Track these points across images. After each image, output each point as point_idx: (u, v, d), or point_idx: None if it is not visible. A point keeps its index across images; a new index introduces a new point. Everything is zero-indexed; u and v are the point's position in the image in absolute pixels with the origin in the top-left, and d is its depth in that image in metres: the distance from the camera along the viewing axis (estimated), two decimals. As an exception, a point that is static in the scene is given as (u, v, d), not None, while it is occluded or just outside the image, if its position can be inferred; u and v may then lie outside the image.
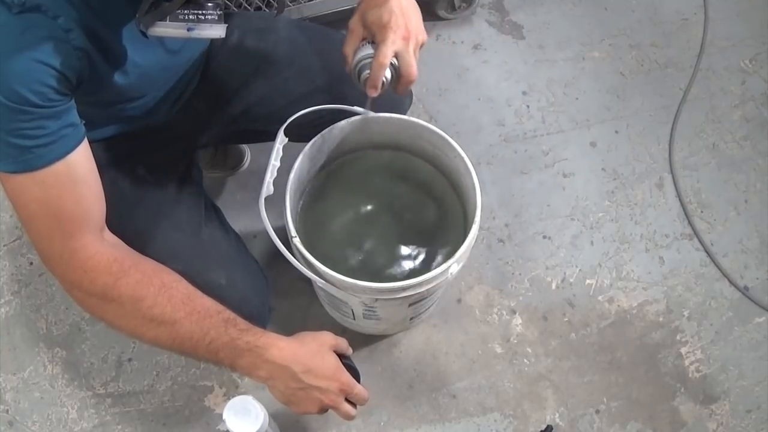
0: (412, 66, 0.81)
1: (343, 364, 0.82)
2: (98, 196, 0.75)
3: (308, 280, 0.91)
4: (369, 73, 0.81)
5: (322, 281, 0.87)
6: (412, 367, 1.20)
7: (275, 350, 0.77)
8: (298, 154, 0.93)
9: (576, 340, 1.23)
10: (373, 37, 0.82)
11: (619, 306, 1.27)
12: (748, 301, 1.28)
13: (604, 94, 1.50)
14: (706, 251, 1.32)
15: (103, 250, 0.74)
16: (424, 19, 0.85)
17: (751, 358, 1.23)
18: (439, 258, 1.00)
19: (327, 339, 0.82)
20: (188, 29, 0.67)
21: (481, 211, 0.91)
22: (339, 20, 1.42)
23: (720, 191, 1.39)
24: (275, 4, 1.32)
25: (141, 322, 0.74)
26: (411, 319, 1.13)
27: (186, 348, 0.75)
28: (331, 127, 0.95)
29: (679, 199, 1.38)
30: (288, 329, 0.82)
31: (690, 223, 1.35)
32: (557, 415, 1.17)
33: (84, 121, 0.72)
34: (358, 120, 0.96)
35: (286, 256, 0.87)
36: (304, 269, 0.88)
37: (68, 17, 0.65)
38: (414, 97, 1.18)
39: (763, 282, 1.30)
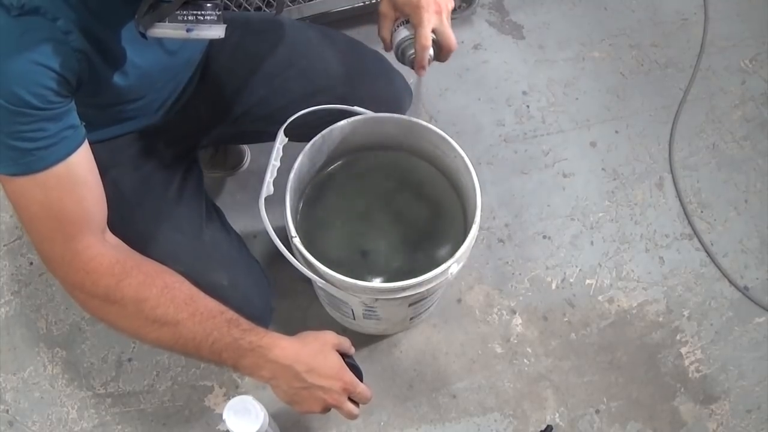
0: (451, 37, 0.84)
1: (346, 363, 0.83)
2: (99, 198, 0.75)
3: (308, 280, 0.91)
4: (413, 54, 0.84)
5: (322, 281, 0.87)
6: (412, 367, 1.20)
7: (278, 350, 0.77)
8: (298, 154, 0.93)
9: (576, 340, 1.23)
10: (407, 18, 0.83)
11: (619, 306, 1.27)
12: (748, 301, 1.28)
13: (604, 94, 1.50)
14: (706, 251, 1.32)
15: (105, 252, 0.74)
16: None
17: (751, 358, 1.23)
18: (439, 258, 1.00)
19: (329, 338, 0.82)
20: (187, 30, 0.67)
21: (481, 211, 0.91)
22: (339, 20, 1.43)
23: (720, 191, 1.39)
24: (275, 4, 1.32)
25: (144, 323, 0.74)
26: (411, 319, 1.13)
27: (189, 349, 0.75)
28: (331, 127, 0.95)
29: (679, 199, 1.38)
30: (288, 329, 0.82)
31: (690, 223, 1.35)
32: (557, 415, 1.17)
33: (84, 123, 0.72)
34: (358, 120, 0.97)
35: (286, 256, 0.87)
36: (304, 269, 0.88)
37: (67, 19, 0.65)
38: (414, 97, 1.18)
39: (763, 282, 1.30)
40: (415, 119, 0.97)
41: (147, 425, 1.16)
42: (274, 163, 0.92)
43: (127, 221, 0.83)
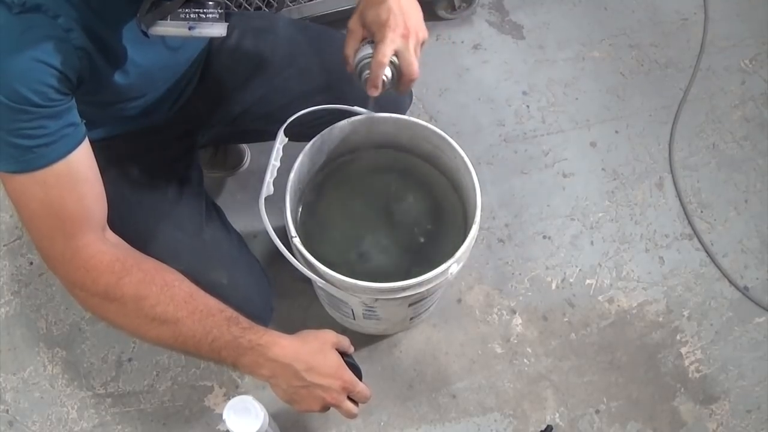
0: (413, 64, 0.81)
1: (345, 362, 0.82)
2: (100, 196, 0.75)
3: (308, 280, 0.91)
4: (369, 73, 0.81)
5: (322, 281, 0.87)
6: (412, 367, 1.20)
7: (278, 348, 0.77)
8: (298, 154, 0.93)
9: (576, 340, 1.23)
10: (373, 37, 0.81)
11: (619, 306, 1.27)
12: (748, 301, 1.28)
13: (604, 94, 1.50)
14: (706, 251, 1.32)
15: (105, 250, 0.74)
16: (424, 20, 0.84)
17: (751, 358, 1.23)
18: (439, 258, 0.99)
19: (329, 337, 0.82)
20: (189, 28, 0.67)
21: (481, 211, 0.91)
22: (339, 20, 1.42)
23: (720, 191, 1.39)
24: (275, 4, 1.32)
25: (143, 321, 0.74)
26: (411, 319, 1.13)
27: (188, 347, 0.75)
28: (331, 127, 0.95)
29: (679, 199, 1.38)
30: (288, 329, 0.82)
31: (690, 223, 1.35)
32: (557, 415, 1.17)
33: (84, 121, 0.72)
34: (358, 120, 0.96)
35: (286, 256, 0.87)
36: (304, 269, 0.88)
37: (68, 17, 0.65)
38: (414, 97, 1.18)
39: (763, 282, 1.30)
40: (415, 119, 0.97)
41: (147, 425, 1.16)
42: (274, 163, 0.92)
43: (127, 220, 0.83)
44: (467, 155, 0.94)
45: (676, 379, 1.21)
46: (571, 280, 1.29)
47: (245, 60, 1.00)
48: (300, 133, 0.94)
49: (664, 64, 1.54)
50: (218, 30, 0.68)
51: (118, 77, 0.77)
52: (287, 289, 1.21)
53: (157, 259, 0.79)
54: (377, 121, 0.98)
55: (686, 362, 1.22)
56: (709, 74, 1.53)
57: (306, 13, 1.39)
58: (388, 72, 0.81)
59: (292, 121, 0.93)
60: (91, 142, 0.74)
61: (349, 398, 0.82)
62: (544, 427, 1.15)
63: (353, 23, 0.84)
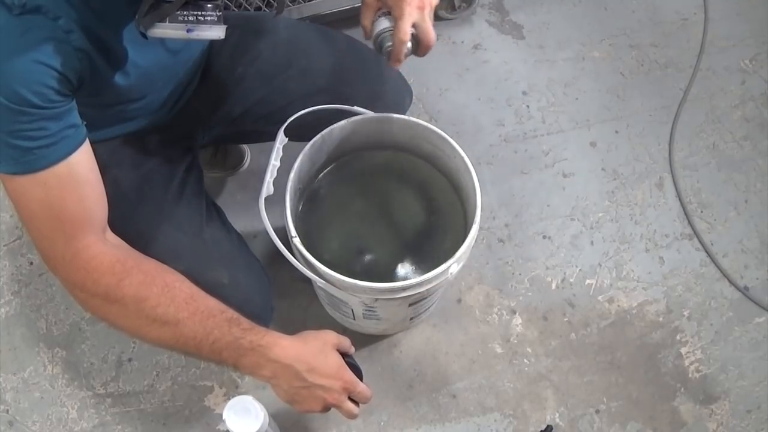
0: (430, 33, 0.82)
1: (346, 362, 0.83)
2: (100, 197, 0.75)
3: (308, 280, 0.91)
4: (391, 47, 0.82)
5: (322, 281, 0.87)
6: (412, 367, 1.20)
7: (278, 349, 0.77)
8: (298, 154, 0.93)
9: (576, 340, 1.23)
10: (389, 9, 0.82)
11: (619, 306, 1.27)
12: (748, 301, 1.28)
13: (604, 94, 1.50)
14: (706, 251, 1.32)
15: (106, 251, 0.74)
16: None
17: (751, 358, 1.23)
18: (439, 258, 0.99)
19: (330, 337, 0.82)
20: (188, 30, 0.67)
21: (481, 211, 0.91)
22: (339, 20, 1.43)
23: (720, 191, 1.39)
24: (275, 4, 1.32)
25: (144, 322, 0.74)
26: (411, 319, 1.13)
27: (189, 348, 0.75)
28: (331, 127, 0.95)
29: (679, 199, 1.38)
30: (288, 329, 0.82)
31: (690, 223, 1.35)
32: (557, 415, 1.17)
33: (85, 122, 0.72)
34: (358, 120, 0.97)
35: (286, 256, 0.87)
36: (304, 269, 0.88)
37: (68, 18, 0.65)
38: (414, 97, 1.18)
39: (763, 282, 1.30)
40: (415, 119, 0.97)
41: (147, 425, 1.16)
42: (274, 163, 0.92)
43: (127, 220, 0.83)
44: (467, 155, 0.94)
45: (676, 379, 1.21)
46: (571, 280, 1.29)
47: (245, 61, 1.00)
48: (300, 134, 0.94)
49: (664, 64, 1.54)
50: (216, 33, 0.68)
51: (118, 79, 0.77)
52: (287, 289, 1.21)
53: (158, 259, 0.79)
54: (377, 121, 0.98)
55: (686, 362, 1.22)
56: (709, 74, 1.53)
57: (306, 13, 1.39)
58: (408, 44, 0.82)
59: (292, 121, 0.93)
60: (92, 143, 0.74)
61: (350, 399, 0.82)
62: (544, 427, 1.15)
63: None
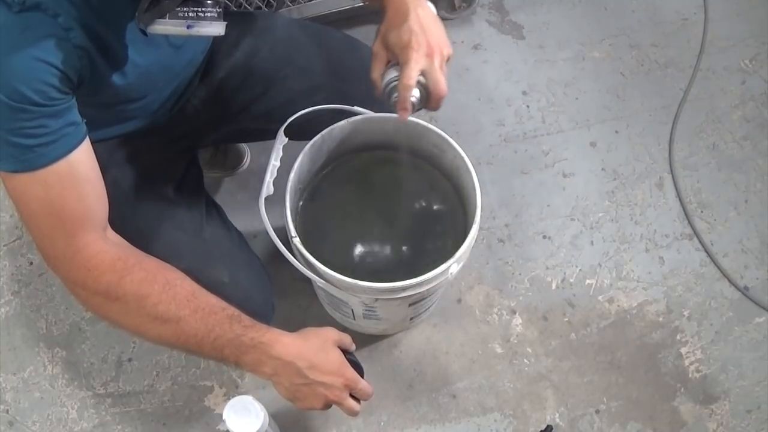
0: (440, 82, 0.79)
1: (347, 359, 0.83)
2: (101, 195, 0.75)
3: (308, 280, 0.91)
4: (397, 96, 0.79)
5: (322, 281, 0.87)
6: (412, 367, 1.20)
7: (280, 346, 0.77)
8: (298, 154, 0.93)
9: (576, 340, 1.23)
10: (397, 59, 0.80)
11: (619, 306, 1.27)
12: (748, 301, 1.28)
13: (604, 94, 1.50)
14: (706, 251, 1.32)
15: (107, 249, 0.74)
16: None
17: (751, 358, 1.23)
18: (438, 258, 0.99)
19: (331, 334, 0.82)
20: (188, 27, 0.67)
21: (481, 211, 0.91)
22: (339, 20, 1.43)
23: (720, 191, 1.39)
24: (275, 3, 1.32)
25: (145, 319, 0.74)
26: (411, 319, 1.13)
27: (191, 345, 0.75)
28: (331, 127, 0.95)
29: (679, 199, 1.38)
30: (288, 329, 0.82)
31: (690, 223, 1.35)
32: (557, 415, 1.17)
33: (85, 121, 0.72)
34: (359, 120, 0.97)
35: (286, 256, 0.87)
36: (304, 269, 0.88)
37: (68, 16, 0.65)
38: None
39: (763, 282, 1.30)
40: (415, 119, 0.97)
41: (147, 425, 1.16)
42: (274, 163, 0.92)
43: (127, 219, 0.83)
44: (467, 155, 0.94)
45: (676, 379, 1.21)
46: (571, 280, 1.29)
47: (244, 60, 1.00)
48: (300, 133, 0.94)
49: (664, 64, 1.54)
50: (216, 29, 0.68)
51: (118, 78, 0.77)
52: (287, 289, 1.21)
53: (158, 257, 0.79)
54: (377, 121, 0.98)
55: (686, 362, 1.22)
56: (709, 74, 1.53)
57: (306, 13, 1.39)
58: (416, 93, 0.79)
59: (292, 121, 0.93)
60: (92, 143, 0.74)
61: (352, 396, 0.82)
62: (544, 427, 1.15)
63: (377, 47, 0.82)
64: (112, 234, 0.78)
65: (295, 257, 0.89)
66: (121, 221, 0.79)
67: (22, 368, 1.20)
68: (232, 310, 0.77)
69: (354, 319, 1.08)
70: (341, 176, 1.06)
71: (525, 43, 1.55)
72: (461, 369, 1.20)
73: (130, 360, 1.20)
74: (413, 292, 0.88)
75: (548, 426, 1.15)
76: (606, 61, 1.54)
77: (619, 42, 1.56)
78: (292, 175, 0.92)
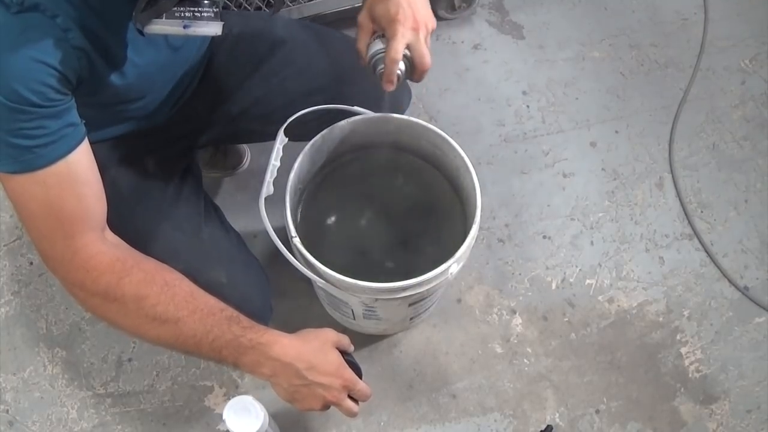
0: (425, 56, 0.81)
1: (345, 360, 0.83)
2: (99, 196, 0.75)
3: (308, 280, 0.91)
4: (383, 69, 0.81)
5: (322, 281, 0.87)
6: (412, 367, 1.20)
7: (278, 347, 0.77)
8: (298, 154, 0.93)
9: (576, 340, 1.23)
10: (383, 31, 0.81)
11: (619, 306, 1.27)
12: (748, 301, 1.28)
13: (604, 94, 1.50)
14: (706, 251, 1.32)
15: (105, 250, 0.74)
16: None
17: (751, 358, 1.23)
18: (439, 258, 0.99)
19: (329, 336, 0.83)
20: (184, 27, 0.67)
21: (481, 211, 0.91)
22: (339, 20, 1.43)
23: (720, 191, 1.39)
24: (274, 3, 1.32)
25: (144, 321, 0.74)
26: (411, 319, 1.13)
27: (189, 346, 0.75)
28: (331, 127, 0.95)
29: (679, 199, 1.38)
30: (288, 330, 0.82)
31: (690, 223, 1.35)
32: (557, 415, 1.17)
33: (84, 122, 0.72)
34: (358, 120, 0.96)
35: (286, 256, 0.87)
36: (304, 269, 0.88)
37: (67, 16, 0.65)
38: (414, 97, 1.18)
39: (763, 282, 1.30)
40: (415, 119, 0.97)
41: (147, 425, 1.16)
42: (274, 163, 0.92)
43: (126, 220, 0.83)
44: (467, 155, 0.94)
45: (676, 379, 1.21)
46: (571, 280, 1.29)
47: (244, 60, 1.00)
48: (300, 133, 0.94)
49: (664, 64, 1.54)
50: (213, 29, 0.68)
51: (117, 78, 0.76)
52: (287, 289, 1.21)
53: (157, 258, 0.79)
54: (377, 121, 0.98)
55: (686, 362, 1.22)
56: (709, 74, 1.53)
57: (306, 13, 1.39)
58: (401, 66, 0.81)
59: (292, 121, 0.93)
60: (91, 143, 0.74)
61: (350, 397, 0.82)
62: (544, 427, 1.15)
63: (363, 18, 0.83)
64: (110, 235, 0.78)
65: (295, 257, 0.89)
66: (119, 221, 0.79)
67: (22, 368, 1.20)
68: (231, 311, 0.77)
69: (354, 319, 1.08)
70: (341, 176, 1.06)
71: (525, 43, 1.55)
72: (461, 369, 1.20)
73: (130, 360, 1.20)
74: (413, 292, 0.88)
75: (548, 426, 1.15)
76: (606, 61, 1.54)
77: (619, 42, 1.56)
78: (292, 175, 0.92)
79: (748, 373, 1.21)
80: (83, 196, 0.73)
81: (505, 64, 1.52)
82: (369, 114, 0.97)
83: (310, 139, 0.94)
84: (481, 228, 1.08)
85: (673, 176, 1.40)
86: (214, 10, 0.68)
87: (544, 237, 1.33)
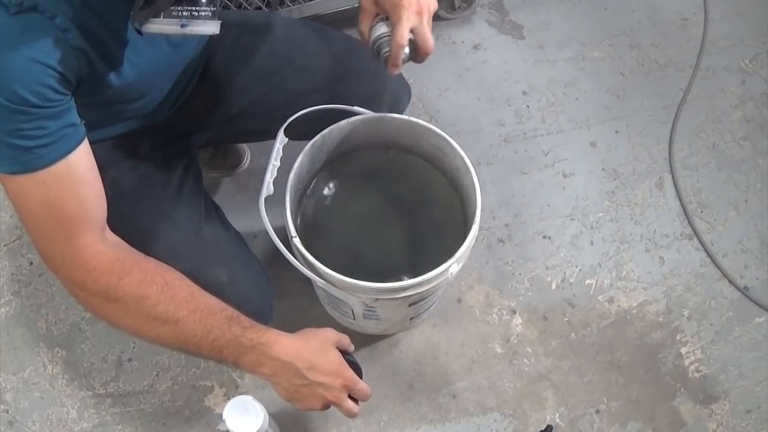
0: (429, 40, 0.82)
1: (346, 360, 0.83)
2: (99, 195, 0.75)
3: (308, 280, 0.91)
4: (388, 52, 0.82)
5: (322, 281, 0.87)
6: (412, 367, 1.20)
7: (279, 347, 0.77)
8: (298, 154, 0.93)
9: (576, 340, 1.23)
10: (387, 15, 0.82)
11: (619, 306, 1.27)
12: (748, 301, 1.28)
13: (604, 94, 1.50)
14: (706, 251, 1.32)
15: (106, 250, 0.74)
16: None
17: (751, 358, 1.23)
18: (438, 258, 0.99)
19: (330, 335, 0.83)
20: (182, 26, 0.67)
21: (481, 211, 0.91)
22: (339, 20, 1.43)
23: (720, 191, 1.39)
24: (272, 2, 1.32)
25: (144, 321, 0.74)
26: (411, 319, 1.13)
27: (189, 346, 0.76)
28: (331, 127, 0.95)
29: (679, 199, 1.38)
30: (288, 330, 0.82)
31: (690, 223, 1.35)
32: (557, 415, 1.17)
33: (84, 122, 0.72)
34: (358, 120, 0.97)
35: (286, 256, 0.87)
36: (304, 269, 0.88)
37: (65, 17, 0.65)
38: (414, 97, 1.18)
39: (763, 282, 1.30)
40: (415, 119, 0.97)
41: (147, 425, 1.16)
42: (274, 163, 0.92)
43: (126, 220, 0.83)
44: (467, 155, 0.94)
45: (676, 379, 1.21)
46: (571, 280, 1.29)
47: (243, 60, 1.00)
48: (300, 133, 0.94)
49: (664, 64, 1.54)
50: (211, 28, 0.68)
51: (116, 78, 0.77)
52: (287, 289, 1.21)
53: (157, 258, 0.79)
54: (377, 121, 0.98)
55: (686, 362, 1.22)
56: (709, 74, 1.53)
57: (306, 13, 1.39)
58: (406, 50, 0.82)
59: (291, 121, 0.93)
60: (91, 143, 0.74)
61: (350, 397, 0.82)
62: (544, 427, 1.15)
63: (366, 1, 0.83)
64: (110, 235, 0.78)
65: (295, 257, 0.89)
66: (119, 221, 0.79)
67: (22, 368, 1.20)
68: (231, 311, 0.77)
69: (354, 319, 1.08)
70: (341, 176, 1.06)
71: (525, 43, 1.55)
72: (461, 369, 1.20)
73: (130, 360, 1.20)
74: (413, 292, 0.88)
75: (548, 426, 1.15)
76: (606, 61, 1.54)
77: (619, 42, 1.56)
78: (292, 175, 0.92)
79: (748, 373, 1.21)
80: (83, 197, 0.73)
81: (505, 64, 1.52)
82: (369, 114, 0.97)
83: (310, 139, 0.94)
84: (481, 228, 1.08)
85: (673, 176, 1.40)
86: (212, 9, 0.68)
87: (544, 237, 1.33)
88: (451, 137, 0.95)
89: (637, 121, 1.47)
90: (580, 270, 1.30)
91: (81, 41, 0.67)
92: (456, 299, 1.26)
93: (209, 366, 1.20)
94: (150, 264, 0.77)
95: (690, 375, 1.21)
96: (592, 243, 1.33)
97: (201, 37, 0.95)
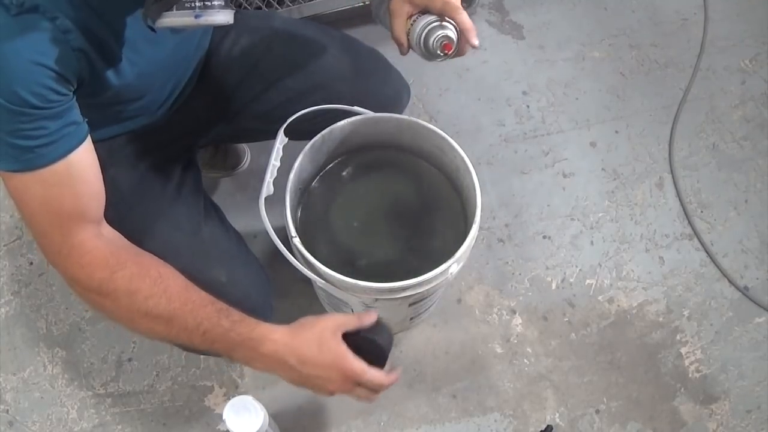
0: (469, 20, 0.79)
1: (364, 339, 0.78)
2: (98, 192, 0.76)
3: (308, 280, 0.91)
4: (444, 37, 0.78)
5: (322, 281, 0.87)
6: (412, 367, 1.20)
7: (269, 343, 0.76)
8: (298, 154, 0.93)
9: (576, 340, 1.23)
10: (425, 9, 0.79)
11: (619, 306, 1.27)
12: (748, 301, 1.28)
13: (604, 94, 1.50)
14: (706, 251, 1.32)
15: (101, 245, 0.75)
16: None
17: (751, 358, 1.23)
18: (439, 258, 0.99)
19: (328, 323, 0.78)
20: (196, 17, 0.66)
21: (481, 211, 0.91)
22: (339, 20, 1.43)
23: (720, 191, 1.39)
24: (275, 4, 1.32)
25: (136, 314, 0.75)
26: (411, 319, 1.13)
27: (182, 339, 0.75)
28: (331, 127, 0.95)
29: (679, 199, 1.38)
30: (288, 329, 0.82)
31: (690, 223, 1.35)
32: (557, 415, 1.17)
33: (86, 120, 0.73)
34: (358, 120, 0.96)
35: (286, 256, 0.87)
36: (304, 269, 0.88)
37: (66, 18, 0.65)
38: (414, 97, 1.18)
39: (763, 282, 1.30)
40: (415, 119, 0.97)
41: (147, 425, 1.16)
42: (274, 163, 0.92)
43: (125, 219, 0.83)
44: (467, 155, 0.94)
45: (676, 379, 1.21)
46: (571, 280, 1.29)
47: (242, 59, 1.00)
48: (300, 133, 0.94)
49: (664, 64, 1.54)
50: (224, 17, 0.68)
51: (116, 78, 0.77)
52: (287, 289, 1.21)
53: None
54: (377, 121, 0.98)
55: (686, 362, 1.22)
56: (709, 74, 1.53)
57: (306, 13, 1.39)
58: (454, 35, 0.79)
59: (291, 120, 0.93)
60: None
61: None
62: (544, 427, 1.15)
63: (396, 4, 0.81)
64: (108, 229, 0.78)
65: (295, 257, 0.89)
66: (119, 221, 0.80)
67: (22, 368, 1.20)
68: (221, 304, 0.77)
69: (354, 319, 1.08)
70: (341, 176, 1.06)
71: (525, 43, 1.55)
72: (461, 369, 1.20)
73: (130, 360, 1.20)
74: (413, 292, 0.88)
75: (548, 426, 1.15)
76: (606, 61, 1.54)
77: (619, 42, 1.56)
78: (292, 175, 0.92)
79: (748, 373, 1.21)
80: (81, 194, 0.73)
81: (505, 64, 1.52)
82: (369, 114, 0.97)
83: (310, 139, 0.94)
84: (481, 228, 1.08)
85: (673, 176, 1.40)
86: None
87: (544, 237, 1.33)
88: (451, 137, 0.95)
89: (637, 121, 1.47)
90: (580, 270, 1.30)
91: (82, 42, 0.68)
92: (456, 299, 1.26)
93: (209, 366, 1.20)
94: (144, 258, 0.77)
95: (690, 375, 1.21)
96: (592, 243, 1.33)
97: (201, 37, 0.95)
